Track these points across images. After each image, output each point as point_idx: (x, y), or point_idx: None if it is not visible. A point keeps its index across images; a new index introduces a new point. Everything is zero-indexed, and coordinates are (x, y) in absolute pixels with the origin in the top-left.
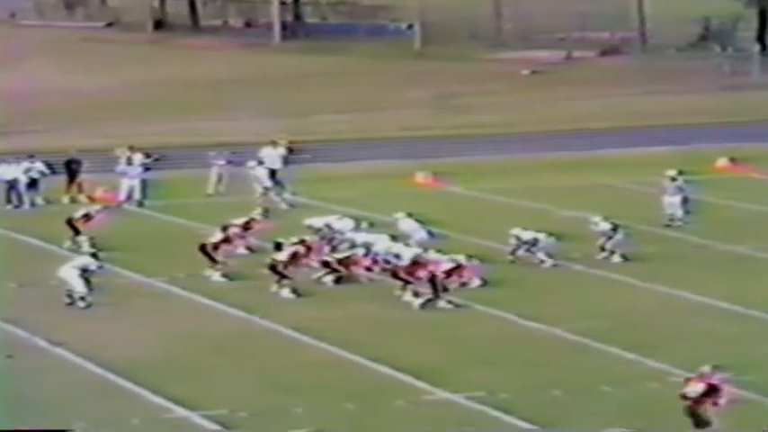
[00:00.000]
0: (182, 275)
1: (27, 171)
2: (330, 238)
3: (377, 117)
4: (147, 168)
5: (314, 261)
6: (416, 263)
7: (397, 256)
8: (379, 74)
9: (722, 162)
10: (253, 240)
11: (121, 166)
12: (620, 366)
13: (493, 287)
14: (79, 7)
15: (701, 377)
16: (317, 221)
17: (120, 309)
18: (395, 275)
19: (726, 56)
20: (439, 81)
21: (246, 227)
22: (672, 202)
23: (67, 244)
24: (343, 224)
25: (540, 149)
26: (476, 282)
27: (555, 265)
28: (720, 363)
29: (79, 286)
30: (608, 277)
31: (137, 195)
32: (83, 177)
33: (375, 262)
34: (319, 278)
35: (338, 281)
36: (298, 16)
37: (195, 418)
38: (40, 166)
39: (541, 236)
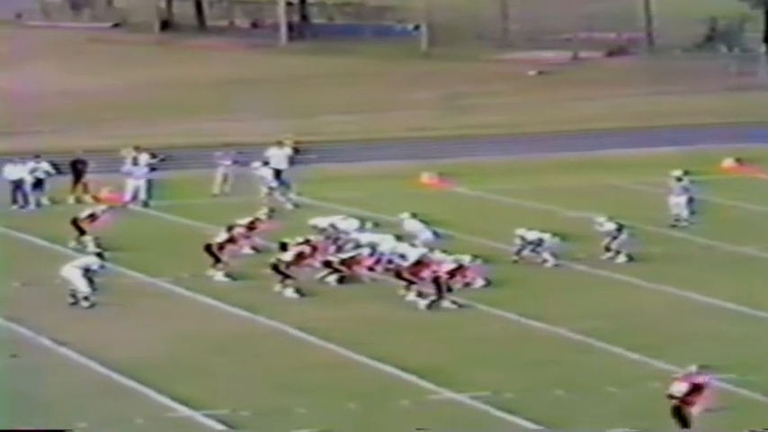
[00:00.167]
0: (186, 276)
1: (33, 171)
2: (335, 238)
3: (383, 118)
4: (152, 169)
5: (318, 261)
6: (420, 263)
7: (402, 257)
8: (385, 74)
9: (728, 162)
10: (258, 240)
11: (127, 167)
12: (624, 367)
13: (497, 287)
14: (85, 8)
15: (687, 376)
16: (322, 222)
17: (124, 309)
18: (399, 275)
19: (732, 56)
20: (445, 82)
21: (252, 227)
22: (678, 203)
23: (72, 244)
24: (347, 224)
25: (546, 150)
26: (479, 282)
27: (559, 266)
28: (726, 363)
29: (82, 286)
30: (613, 277)
31: (142, 195)
32: (88, 177)
33: (379, 262)
34: (322, 278)
35: (341, 281)
36: (304, 17)
37: (199, 417)
38: (45, 166)
39: (546, 236)
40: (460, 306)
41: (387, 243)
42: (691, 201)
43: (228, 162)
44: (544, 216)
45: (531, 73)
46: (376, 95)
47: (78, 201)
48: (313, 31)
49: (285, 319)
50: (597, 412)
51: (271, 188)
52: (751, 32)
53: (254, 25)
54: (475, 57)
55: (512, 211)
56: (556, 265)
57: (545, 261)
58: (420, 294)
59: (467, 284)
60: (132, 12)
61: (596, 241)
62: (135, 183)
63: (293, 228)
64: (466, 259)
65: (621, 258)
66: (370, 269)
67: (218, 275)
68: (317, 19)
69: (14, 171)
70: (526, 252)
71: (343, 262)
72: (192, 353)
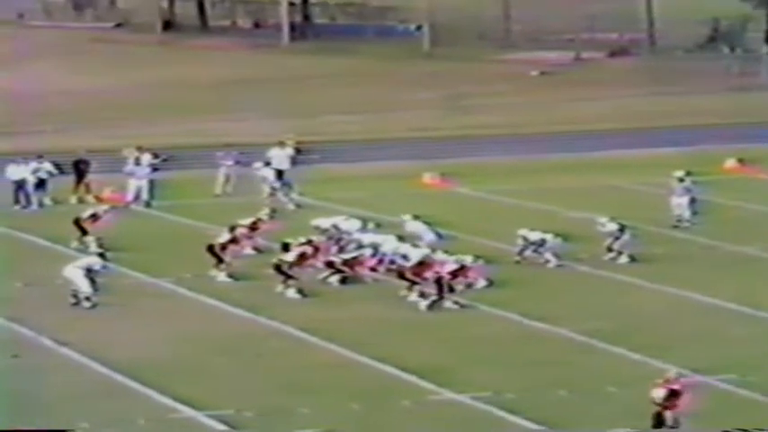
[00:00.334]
0: (188, 276)
1: (35, 171)
2: (337, 238)
3: (385, 118)
4: (154, 169)
5: (320, 262)
6: (423, 263)
7: (405, 257)
8: (387, 75)
9: (730, 163)
10: (260, 241)
11: (129, 167)
12: (626, 367)
13: (499, 288)
14: (88, 8)
15: (666, 382)
16: (325, 222)
17: (126, 309)
18: (401, 276)
19: (734, 57)
20: (447, 82)
21: (254, 227)
22: (680, 203)
23: (75, 244)
24: (350, 225)
25: (548, 150)
26: (481, 282)
27: (561, 266)
28: (727, 364)
29: (84, 286)
30: (615, 278)
31: (144, 196)
32: (91, 178)
33: (381, 262)
34: (325, 278)
35: (344, 281)
36: (306, 17)
37: (201, 418)
38: (48, 166)
39: (549, 237)
40: (462, 306)
41: (389, 243)
42: (693, 201)
43: (231, 162)
44: (546, 216)
45: (534, 73)
46: (378, 96)
47: (80, 201)
48: (315, 32)
49: (287, 320)
50: (599, 412)
51: (273, 188)
52: (753, 33)
53: (257, 25)
54: (477, 57)
55: (514, 212)
56: (558, 266)
57: (547, 261)
58: (422, 295)
59: (469, 285)
60: (134, 12)
61: (598, 242)
62: (137, 183)
63: (295, 228)
64: (468, 260)
65: (624, 259)
66: (373, 270)
67: (221, 276)
68: (319, 19)
69: (17, 171)
70: (528, 252)
71: (345, 262)
72: (194, 353)
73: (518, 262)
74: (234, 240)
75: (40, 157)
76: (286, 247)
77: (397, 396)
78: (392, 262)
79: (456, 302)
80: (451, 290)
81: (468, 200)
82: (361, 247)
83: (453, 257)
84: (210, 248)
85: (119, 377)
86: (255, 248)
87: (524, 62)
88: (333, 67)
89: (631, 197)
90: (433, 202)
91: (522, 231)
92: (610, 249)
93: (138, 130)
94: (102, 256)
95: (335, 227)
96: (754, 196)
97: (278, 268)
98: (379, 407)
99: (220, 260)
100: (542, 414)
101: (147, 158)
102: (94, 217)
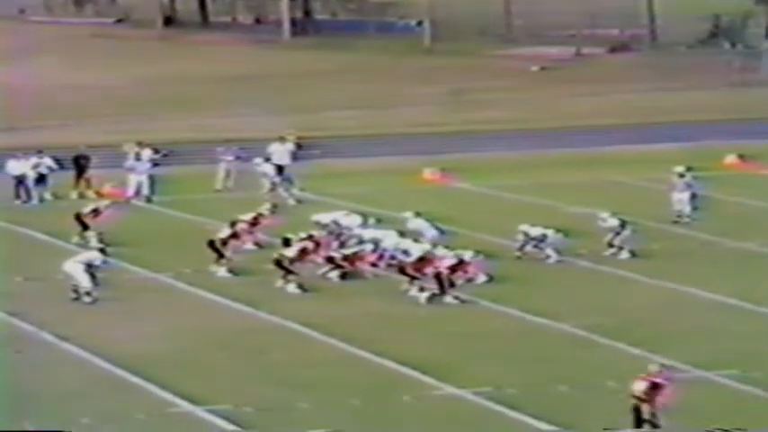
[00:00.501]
0: (189, 271)
1: (36, 166)
2: (338, 233)
3: (386, 113)
4: (155, 164)
5: (321, 257)
6: (423, 259)
7: (405, 252)
8: (388, 70)
9: (731, 159)
10: (261, 236)
11: (130, 162)
12: (626, 362)
13: (500, 283)
14: (89, 3)
15: (648, 375)
16: (325, 217)
17: (126, 304)
18: (402, 271)
19: (735, 53)
20: (448, 77)
21: (254, 222)
22: (680, 199)
23: (75, 239)
24: (350, 220)
25: (549, 146)
26: (482, 278)
27: (562, 261)
28: (728, 359)
29: (85, 281)
30: (615, 273)
31: (145, 191)
32: (91, 173)
33: (381, 258)
34: (325, 274)
35: (344, 277)
36: (307, 13)
37: (201, 412)
38: (48, 161)
39: (549, 232)
40: (463, 302)
41: (389, 239)
42: (693, 197)
43: (231, 158)
44: (547, 212)
45: (534, 69)
46: (378, 91)
47: (81, 196)
48: (316, 27)
49: (288, 315)
50: (599, 408)
51: (273, 184)
52: (754, 29)
53: (257, 21)
54: (478, 52)
55: (514, 207)
56: (559, 261)
57: (548, 257)
58: (422, 290)
59: (469, 280)
60: (135, 7)
61: (599, 237)
62: (138, 178)
63: (296, 223)
64: (468, 255)
65: (624, 254)
66: (373, 265)
67: (221, 271)
68: (319, 15)
69: (17, 166)
70: (529, 248)
71: (345, 258)
72: (195, 348)
73: (519, 257)
74: (234, 235)
75: (40, 152)
76: (287, 243)
77: (398, 391)
78: (393, 257)
79: (456, 298)
80: (452, 284)
81: (469, 195)
82: (361, 242)
83: (453, 253)
84: (211, 244)
85: (119, 372)
86: (256, 244)
87: (525, 58)
88: (333, 62)
89: (632, 193)
90: (433, 197)
91: (523, 227)
92: (610, 245)
93: (139, 126)
94: (102, 251)
95: (336, 222)
96: (755, 192)
97: (278, 263)
98: (380, 402)
99: (221, 255)
100: (543, 409)
101: (147, 154)
102: (95, 212)
